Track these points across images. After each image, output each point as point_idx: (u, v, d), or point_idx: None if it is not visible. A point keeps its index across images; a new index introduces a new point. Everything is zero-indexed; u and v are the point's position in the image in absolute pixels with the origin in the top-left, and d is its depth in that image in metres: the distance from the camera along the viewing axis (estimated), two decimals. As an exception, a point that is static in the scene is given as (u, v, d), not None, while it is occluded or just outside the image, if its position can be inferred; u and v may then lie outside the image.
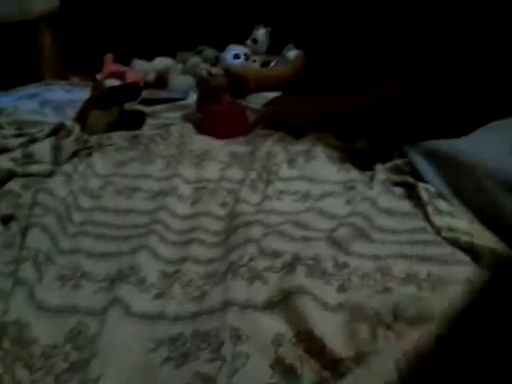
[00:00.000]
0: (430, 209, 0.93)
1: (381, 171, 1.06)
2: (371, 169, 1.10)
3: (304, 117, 1.27)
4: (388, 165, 1.09)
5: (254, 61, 2.00)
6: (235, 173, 1.09)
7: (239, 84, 1.35)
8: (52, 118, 1.36)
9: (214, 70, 1.33)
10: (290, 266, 0.76)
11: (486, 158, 0.95)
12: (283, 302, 0.69)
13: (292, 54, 2.09)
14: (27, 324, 0.66)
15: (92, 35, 2.22)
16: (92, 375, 0.59)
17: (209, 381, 0.58)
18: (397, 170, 1.08)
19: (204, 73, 1.34)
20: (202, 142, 1.23)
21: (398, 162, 1.09)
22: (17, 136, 1.20)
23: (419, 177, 1.04)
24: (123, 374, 0.60)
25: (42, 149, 1.12)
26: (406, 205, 0.98)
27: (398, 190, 1.02)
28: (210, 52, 2.05)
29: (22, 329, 0.65)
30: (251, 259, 0.77)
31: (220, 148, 1.20)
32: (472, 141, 1.05)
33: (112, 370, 0.60)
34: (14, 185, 1.00)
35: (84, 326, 0.67)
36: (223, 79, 1.34)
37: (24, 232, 0.84)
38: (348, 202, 0.97)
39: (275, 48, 2.13)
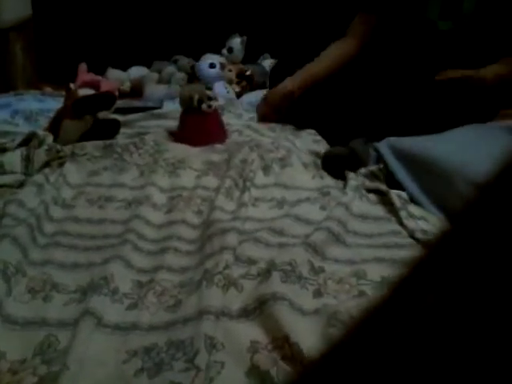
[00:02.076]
0: (402, 214, 0.94)
1: (353, 178, 1.07)
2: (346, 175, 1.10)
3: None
4: (363, 171, 1.10)
5: (230, 70, 2.00)
6: (210, 180, 1.08)
7: None
8: (23, 128, 1.33)
9: (214, 103, 1.29)
10: (266, 273, 0.75)
11: (462, 160, 0.97)
12: (259, 309, 0.69)
13: (267, 62, 2.10)
14: (-6, 338, 0.64)
15: (66, 44, 2.19)
16: (62, 389, 0.57)
17: (183, 391, 0.57)
18: (372, 177, 1.08)
19: (196, 97, 1.28)
20: (177, 150, 1.21)
21: (373, 168, 1.09)
22: (-14, 146, 1.17)
23: (395, 182, 1.05)
24: (95, 387, 0.59)
25: (13, 159, 1.10)
26: (379, 210, 0.99)
27: (372, 196, 1.03)
28: (185, 61, 2.04)
29: (-12, 343, 0.62)
30: (226, 267, 0.76)
31: (195, 156, 1.19)
32: (445, 141, 1.07)
33: (83, 384, 0.58)
34: (-17, 196, 0.97)
35: (54, 339, 0.65)
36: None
37: (-7, 244, 0.82)
38: (323, 208, 0.97)
39: (251, 57, 2.14)
